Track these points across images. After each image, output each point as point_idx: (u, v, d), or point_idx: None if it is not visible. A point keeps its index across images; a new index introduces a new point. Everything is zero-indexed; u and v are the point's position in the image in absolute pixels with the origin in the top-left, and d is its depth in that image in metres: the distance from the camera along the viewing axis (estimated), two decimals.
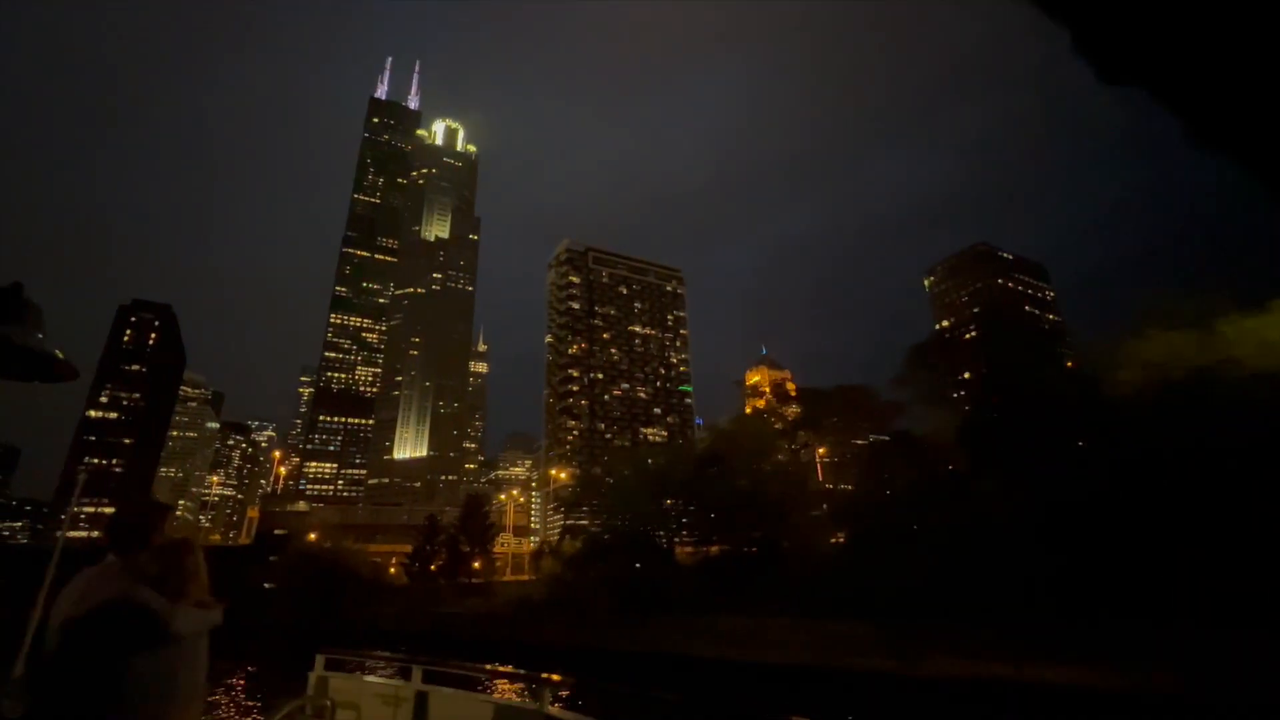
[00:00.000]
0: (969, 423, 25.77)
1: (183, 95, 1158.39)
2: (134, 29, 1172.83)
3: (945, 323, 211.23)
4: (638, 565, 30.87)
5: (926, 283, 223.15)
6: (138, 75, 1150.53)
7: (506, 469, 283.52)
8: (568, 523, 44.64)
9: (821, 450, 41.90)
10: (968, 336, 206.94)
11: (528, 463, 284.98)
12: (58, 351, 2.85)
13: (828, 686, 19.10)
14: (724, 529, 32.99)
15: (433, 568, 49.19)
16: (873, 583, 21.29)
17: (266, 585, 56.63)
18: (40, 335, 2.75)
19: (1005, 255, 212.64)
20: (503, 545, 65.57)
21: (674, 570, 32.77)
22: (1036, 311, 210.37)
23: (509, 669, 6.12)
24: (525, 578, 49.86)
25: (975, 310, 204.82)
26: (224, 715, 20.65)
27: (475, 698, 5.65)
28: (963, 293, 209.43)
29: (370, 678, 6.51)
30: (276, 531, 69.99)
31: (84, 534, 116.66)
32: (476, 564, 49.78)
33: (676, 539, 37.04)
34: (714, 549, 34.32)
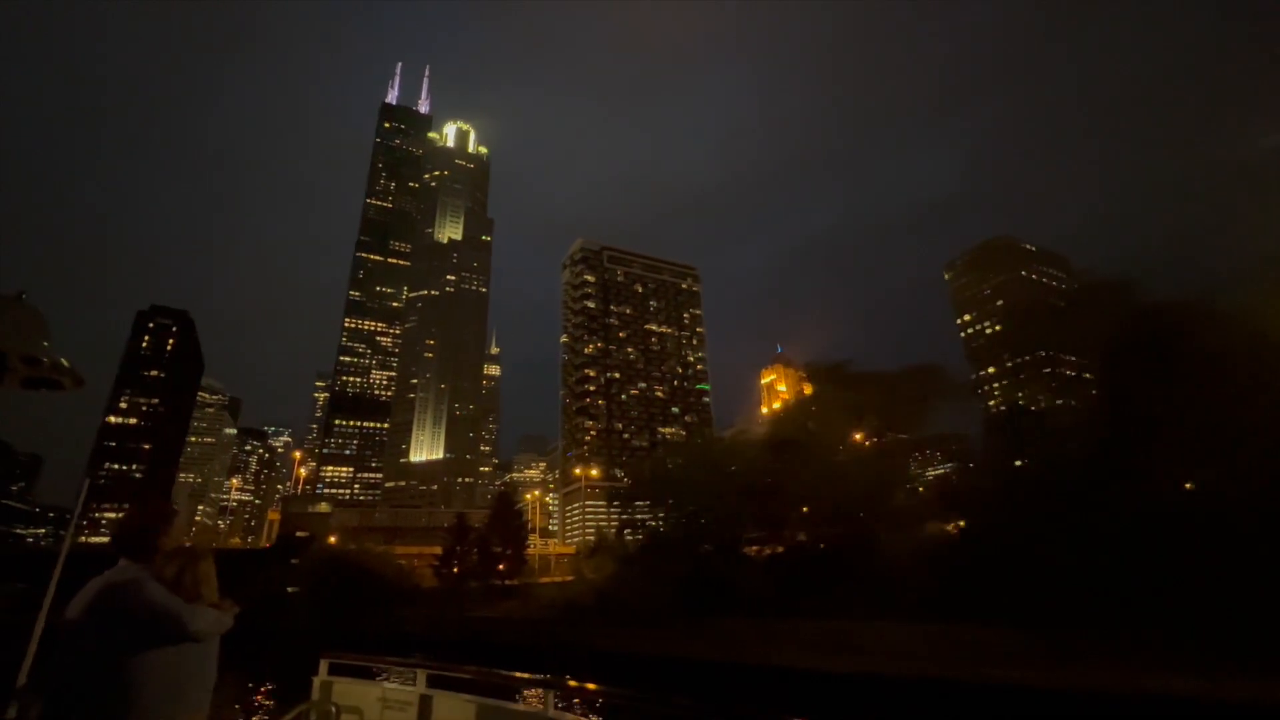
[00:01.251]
0: (1113, 395, 22.25)
1: (198, 107, 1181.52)
2: (151, 46, 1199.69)
3: (967, 316, 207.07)
4: (705, 562, 28.08)
5: (946, 276, 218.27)
6: (153, 88, 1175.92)
7: (521, 471, 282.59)
8: (624, 517, 40.93)
9: (870, 440, 38.74)
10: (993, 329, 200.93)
11: (541, 465, 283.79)
12: (63, 360, 2.88)
13: (964, 701, 16.08)
14: (801, 521, 29.98)
15: (456, 569, 46.75)
16: (1007, 581, 18.49)
17: (289, 589, 54.92)
18: (46, 343, 2.78)
19: (1028, 247, 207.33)
20: (531, 547, 63.11)
21: (745, 568, 29.77)
22: (1062, 304, 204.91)
23: (514, 673, 5.82)
24: (561, 579, 47.49)
25: (999, 303, 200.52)
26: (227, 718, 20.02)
27: (479, 701, 5.54)
28: (984, 286, 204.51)
29: (374, 682, 6.38)
30: (298, 534, 68.34)
31: (106, 539, 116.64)
32: (508, 565, 47.36)
33: (746, 534, 33.74)
34: (779, 547, 31.28)
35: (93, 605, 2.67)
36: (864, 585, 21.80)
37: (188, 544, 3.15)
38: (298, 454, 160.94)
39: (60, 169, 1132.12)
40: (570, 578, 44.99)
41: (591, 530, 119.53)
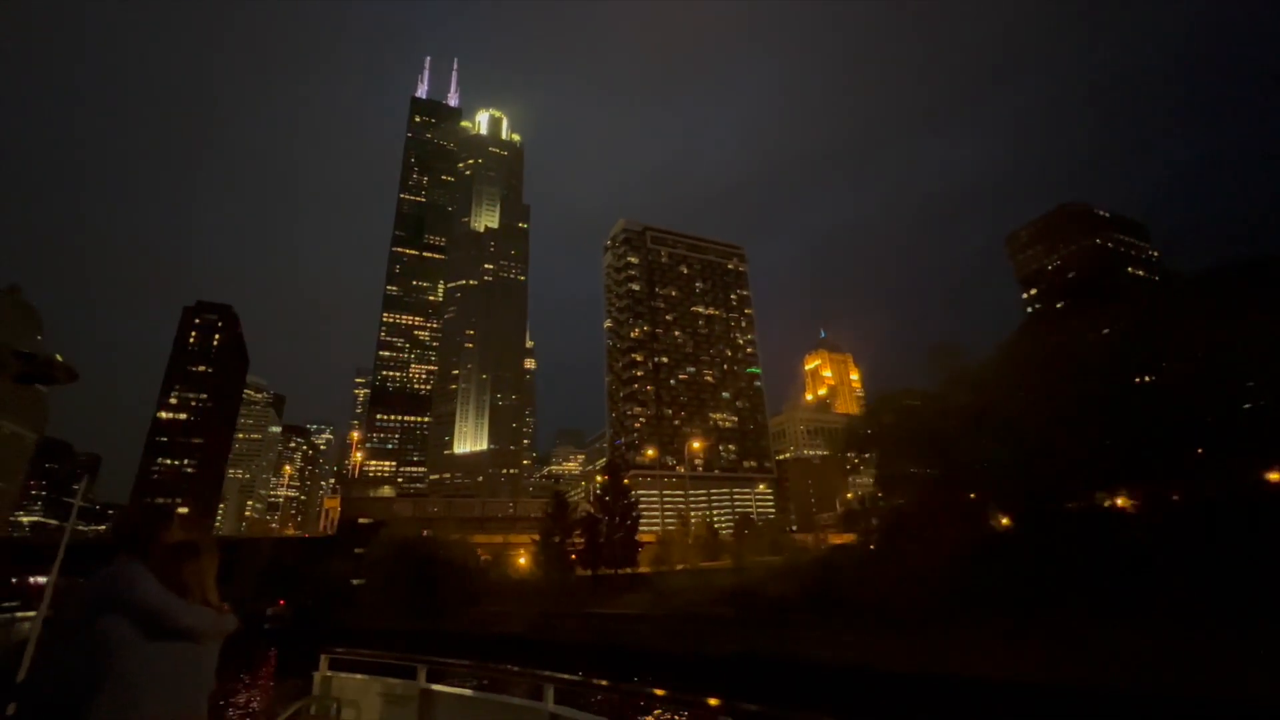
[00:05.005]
0: None
1: (239, 114, 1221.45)
2: (194, 58, 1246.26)
3: (1033, 291, 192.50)
4: (1055, 531, 18.36)
5: (1008, 250, 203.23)
6: (197, 97, 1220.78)
7: (560, 464, 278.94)
8: (883, 472, 30.23)
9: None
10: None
11: (580, 457, 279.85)
12: (57, 355, 3.00)
13: None
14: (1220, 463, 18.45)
15: (554, 558, 39.84)
16: None
17: (354, 581, 49.86)
18: (39, 337, 2.70)
19: (1101, 213, 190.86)
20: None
21: (1106, 534, 18.29)
22: (1140, 273, 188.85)
23: (512, 668, 5.69)
24: (668, 568, 40.52)
25: (1070, 275, 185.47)
26: (230, 716, 19.39)
27: (479, 696, 5.53)
28: (1054, 257, 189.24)
29: (375, 677, 6.27)
30: (361, 520, 63.34)
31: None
32: (620, 553, 40.09)
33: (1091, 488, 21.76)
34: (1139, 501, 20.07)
35: (86, 600, 2.63)
36: None
37: (188, 538, 3.11)
38: (355, 435, 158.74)
39: (112, 176, 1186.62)
40: (680, 565, 38.02)
41: (670, 516, 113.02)
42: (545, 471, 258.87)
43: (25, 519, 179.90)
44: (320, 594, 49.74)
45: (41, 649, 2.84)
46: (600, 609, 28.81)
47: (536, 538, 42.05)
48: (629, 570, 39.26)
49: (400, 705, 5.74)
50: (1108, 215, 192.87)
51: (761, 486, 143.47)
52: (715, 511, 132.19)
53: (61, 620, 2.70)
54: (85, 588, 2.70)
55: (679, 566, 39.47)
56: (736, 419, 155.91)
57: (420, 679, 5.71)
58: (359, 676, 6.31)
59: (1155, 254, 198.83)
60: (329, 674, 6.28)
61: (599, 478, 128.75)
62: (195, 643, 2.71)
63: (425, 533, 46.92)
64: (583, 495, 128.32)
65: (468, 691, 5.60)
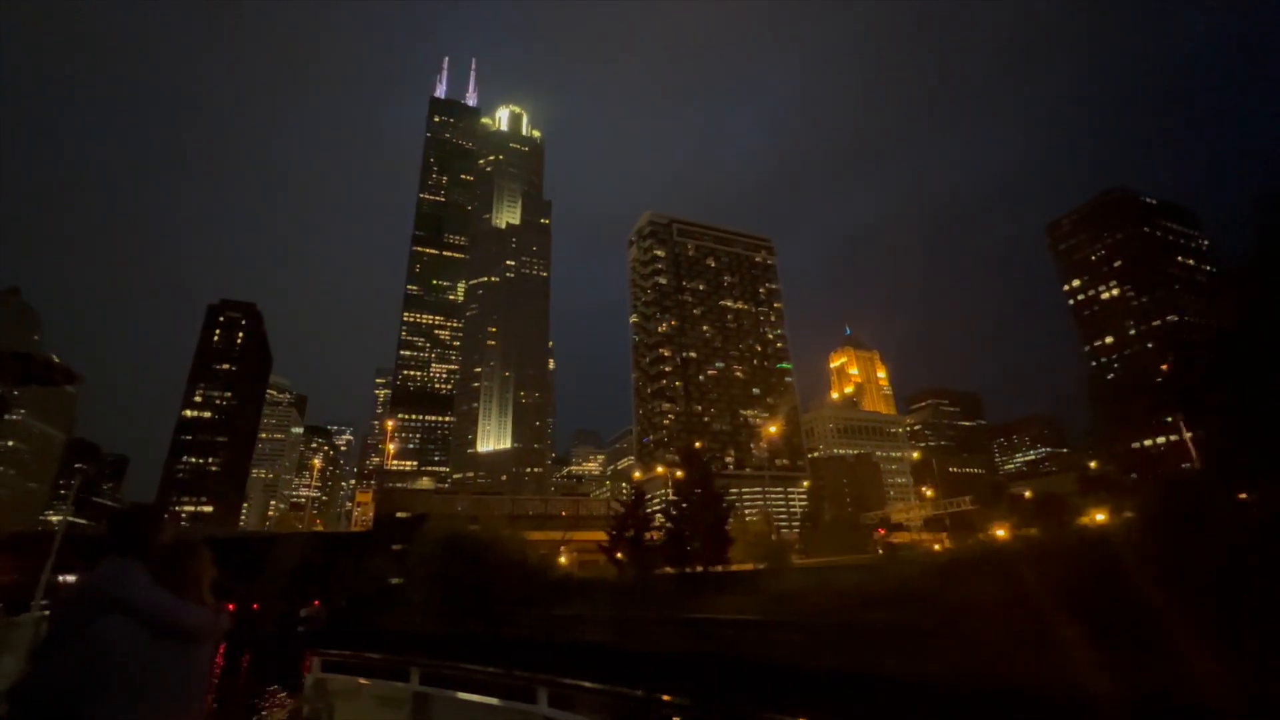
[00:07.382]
0: None
1: (266, 124, 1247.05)
2: (224, 67, 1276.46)
3: (1076, 281, 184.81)
4: None
5: (1049, 239, 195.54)
6: (221, 110, 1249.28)
7: (580, 464, 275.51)
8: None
9: None
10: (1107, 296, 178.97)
11: (600, 458, 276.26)
12: (54, 356, 3.08)
13: None
14: None
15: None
16: None
17: (393, 580, 46.30)
18: (36, 338, 2.66)
19: (1147, 200, 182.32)
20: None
21: None
22: (1191, 262, 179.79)
23: (505, 670, 5.45)
24: (812, 560, 35.58)
25: (1115, 265, 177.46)
26: (224, 718, 19.65)
27: (472, 699, 5.48)
28: (1097, 246, 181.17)
29: (368, 679, 6.22)
30: (399, 515, 59.87)
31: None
32: (709, 550, 34.80)
33: None
34: None
35: (83, 599, 2.60)
36: None
37: (184, 537, 3.14)
38: (390, 424, 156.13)
39: (138, 180, 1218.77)
40: (802, 561, 32.98)
41: None
42: (565, 472, 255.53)
43: (54, 518, 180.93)
44: (356, 594, 46.31)
45: (38, 649, 2.69)
46: (702, 613, 24.39)
47: (612, 531, 37.72)
48: (719, 568, 34.76)
49: (393, 708, 5.69)
50: (1154, 202, 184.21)
51: (806, 484, 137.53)
52: (751, 511, 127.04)
53: (58, 620, 2.59)
54: (81, 586, 2.64)
55: (811, 560, 34.45)
56: (768, 415, 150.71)
57: (413, 681, 5.64)
58: (352, 679, 6.21)
59: (1205, 243, 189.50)
60: (321, 675, 6.18)
61: (636, 474, 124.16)
62: (192, 642, 2.66)
63: (474, 526, 43.11)
64: (608, 495, 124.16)
65: (461, 694, 5.51)
